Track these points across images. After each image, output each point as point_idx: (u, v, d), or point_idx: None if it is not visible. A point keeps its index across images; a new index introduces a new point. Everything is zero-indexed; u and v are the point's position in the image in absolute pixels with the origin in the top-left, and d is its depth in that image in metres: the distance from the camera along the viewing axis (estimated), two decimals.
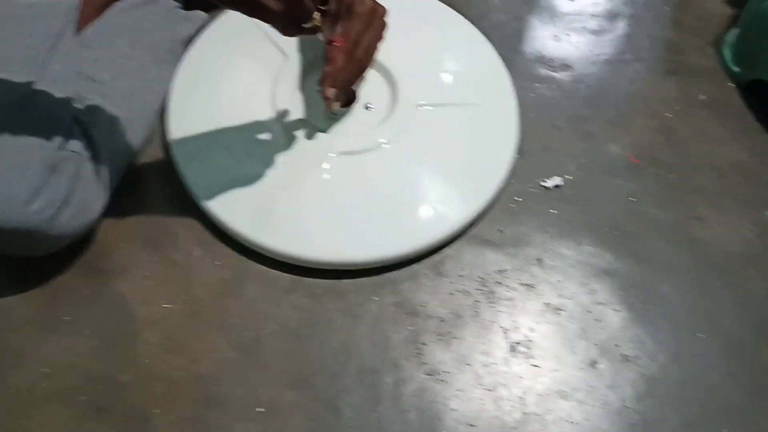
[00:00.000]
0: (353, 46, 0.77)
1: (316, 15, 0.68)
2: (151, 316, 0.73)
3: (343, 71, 0.78)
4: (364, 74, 0.81)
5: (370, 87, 0.87)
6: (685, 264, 0.81)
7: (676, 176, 0.88)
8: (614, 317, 0.77)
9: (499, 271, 0.79)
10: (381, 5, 0.80)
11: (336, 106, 0.79)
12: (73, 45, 0.77)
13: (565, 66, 0.98)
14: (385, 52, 0.83)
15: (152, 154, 0.84)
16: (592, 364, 0.73)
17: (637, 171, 0.89)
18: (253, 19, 0.66)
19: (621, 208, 0.85)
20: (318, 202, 0.79)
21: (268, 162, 0.81)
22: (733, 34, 0.99)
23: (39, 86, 0.71)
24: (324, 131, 0.84)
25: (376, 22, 0.79)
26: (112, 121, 0.77)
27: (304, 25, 0.67)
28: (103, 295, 0.74)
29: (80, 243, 0.76)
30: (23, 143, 0.68)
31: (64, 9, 0.76)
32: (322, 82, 0.78)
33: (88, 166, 0.73)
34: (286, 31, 0.68)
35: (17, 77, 0.70)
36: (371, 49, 0.80)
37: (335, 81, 0.77)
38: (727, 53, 0.98)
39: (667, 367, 0.73)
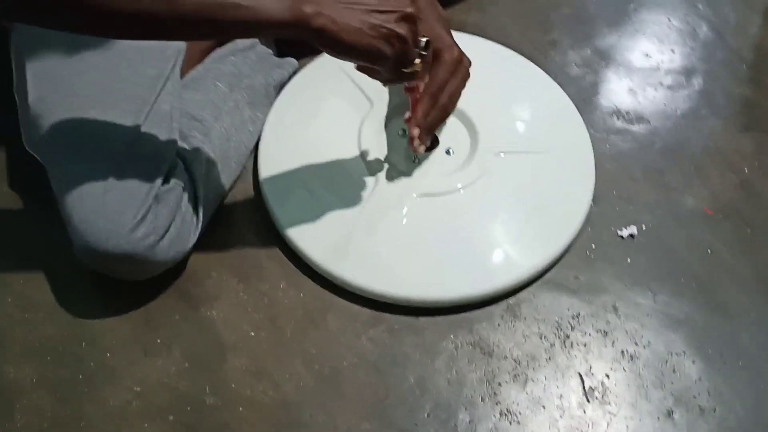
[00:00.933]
0: (439, 92, 0.82)
1: (417, 60, 0.72)
2: (237, 342, 0.77)
3: (429, 116, 0.82)
4: (446, 120, 0.85)
5: (452, 133, 0.90)
6: (764, 316, 0.81)
7: (756, 230, 0.88)
8: (691, 367, 0.77)
9: (575, 316, 0.80)
10: (466, 56, 0.85)
11: (422, 148, 0.83)
12: (178, 86, 0.83)
13: (640, 119, 1.00)
14: (467, 101, 0.87)
15: (243, 189, 0.89)
16: (669, 414, 0.73)
17: (713, 224, 0.89)
18: (344, 65, 0.71)
19: (697, 260, 0.86)
20: (398, 241, 0.82)
21: (352, 201, 0.84)
22: None
23: (148, 123, 0.77)
24: (405, 174, 0.87)
25: (460, 70, 0.83)
26: (210, 158, 0.82)
27: (405, 70, 0.71)
28: (193, 319, 0.78)
29: (174, 270, 0.80)
30: (133, 175, 0.73)
31: (172, 53, 0.83)
32: (408, 125, 0.82)
33: (188, 199, 0.78)
34: (390, 74, 0.72)
35: (130, 115, 0.76)
36: (455, 96, 0.83)
37: (421, 124, 0.81)
38: None
39: (745, 420, 0.73)
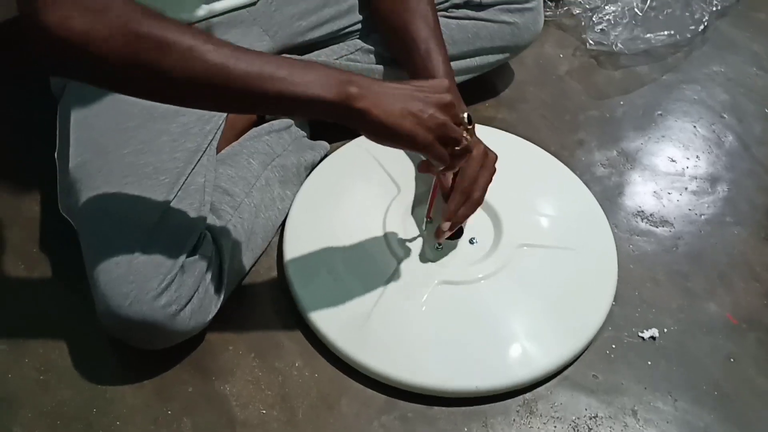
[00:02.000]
0: (470, 187, 0.83)
1: (466, 134, 0.73)
2: (248, 419, 0.76)
3: (461, 210, 0.84)
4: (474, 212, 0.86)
5: (476, 223, 0.91)
6: None
7: None
8: None
9: (593, 416, 0.79)
10: (492, 151, 0.87)
11: (444, 238, 0.84)
12: (213, 161, 0.86)
13: (665, 222, 1.00)
14: (493, 193, 0.88)
15: (267, 265, 0.90)
16: None
17: (737, 332, 0.88)
18: (374, 149, 0.72)
19: (720, 369, 0.84)
20: (416, 328, 0.82)
21: (373, 284, 0.85)
22: None
23: (181, 195, 0.79)
24: (429, 261, 0.88)
25: (488, 164, 0.85)
26: (238, 232, 0.84)
27: (456, 148, 0.71)
28: (206, 392, 0.78)
29: (192, 342, 0.80)
30: (161, 244, 0.75)
31: (211, 129, 0.86)
32: (442, 217, 0.84)
33: (212, 270, 0.79)
34: (441, 159, 0.71)
35: (164, 187, 0.78)
36: (484, 190, 0.85)
37: (452, 218, 0.83)
38: None
39: None
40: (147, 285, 0.72)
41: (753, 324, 0.89)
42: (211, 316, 0.79)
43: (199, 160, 0.82)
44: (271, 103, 0.66)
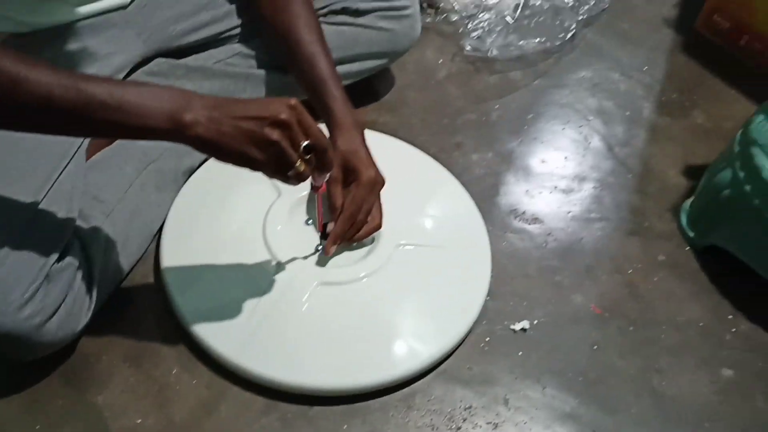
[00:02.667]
0: (356, 211, 0.86)
1: (300, 163, 0.71)
2: (122, 430, 0.74)
3: (346, 233, 0.87)
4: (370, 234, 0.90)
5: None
6: (644, 413, 0.84)
7: (638, 329, 0.93)
8: None
9: (467, 408, 0.82)
10: (382, 176, 0.89)
11: (332, 251, 0.87)
12: (83, 166, 0.84)
13: (536, 219, 1.05)
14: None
15: (144, 272, 0.88)
16: None
17: (600, 321, 0.94)
18: None
19: (584, 356, 0.90)
20: (296, 330, 0.83)
21: (253, 288, 0.85)
22: (689, 203, 1.08)
23: (47, 201, 0.76)
24: (310, 262, 0.89)
25: (376, 189, 0.88)
26: (110, 239, 0.82)
27: (288, 173, 0.71)
28: (78, 405, 0.76)
29: (63, 352, 0.78)
30: (25, 252, 0.72)
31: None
32: (327, 239, 0.87)
33: (81, 279, 0.77)
34: (273, 176, 0.72)
35: (29, 192, 0.75)
36: (367, 214, 0.89)
37: (338, 241, 0.87)
38: (684, 220, 1.07)
39: None
40: (9, 296, 0.69)
41: (615, 313, 0.95)
42: (81, 326, 0.77)
43: (66, 166, 0.80)
44: (106, 130, 0.67)
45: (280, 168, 0.70)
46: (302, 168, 0.70)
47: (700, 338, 0.94)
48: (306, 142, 0.70)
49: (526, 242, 1.02)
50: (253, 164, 0.69)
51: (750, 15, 1.34)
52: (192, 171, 0.97)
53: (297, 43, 0.93)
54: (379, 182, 0.89)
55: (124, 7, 0.95)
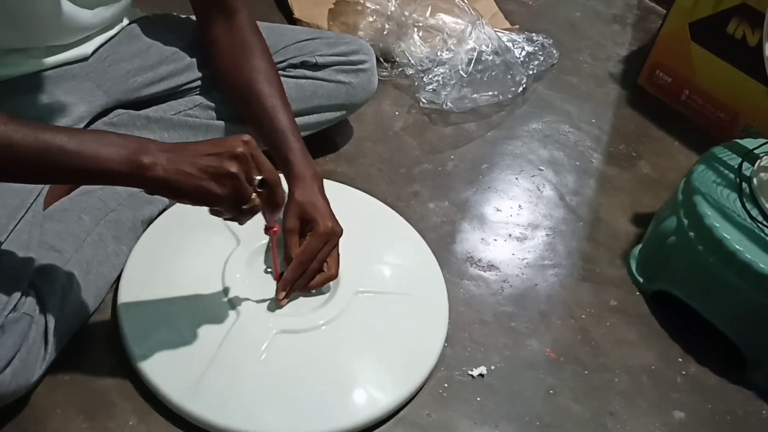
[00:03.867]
0: (308, 260, 0.88)
1: (254, 196, 0.74)
2: None
3: (297, 281, 0.88)
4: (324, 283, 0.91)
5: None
6: None
7: (591, 373, 0.96)
8: None
9: None
10: (339, 227, 0.90)
11: (285, 302, 0.88)
12: (40, 217, 0.83)
13: (491, 266, 1.08)
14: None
15: (100, 323, 0.87)
16: None
17: (556, 366, 0.96)
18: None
19: (541, 400, 0.91)
20: (254, 379, 0.83)
21: (211, 337, 0.85)
22: (637, 250, 1.12)
23: (2, 250, 0.76)
24: (269, 310, 0.89)
25: (332, 240, 0.90)
26: (66, 290, 0.81)
27: (243, 207, 0.73)
28: None
29: (14, 406, 0.76)
30: None
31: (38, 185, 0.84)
32: (277, 287, 0.88)
33: (36, 329, 0.76)
34: (231, 212, 0.74)
35: None
36: (323, 262, 0.90)
37: (287, 288, 0.88)
38: (634, 266, 1.11)
39: None
40: None
41: (569, 358, 0.97)
42: (35, 378, 0.76)
43: (23, 216, 0.79)
44: (66, 176, 0.69)
45: (236, 201, 0.72)
46: (256, 201, 0.73)
47: (651, 381, 0.96)
48: (260, 177, 0.73)
49: (482, 289, 1.04)
50: (211, 200, 0.71)
51: (689, 71, 1.41)
52: (150, 221, 0.97)
53: (257, 96, 0.95)
54: (336, 233, 0.90)
55: (85, 59, 0.96)
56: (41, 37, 0.90)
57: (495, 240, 1.13)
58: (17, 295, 0.74)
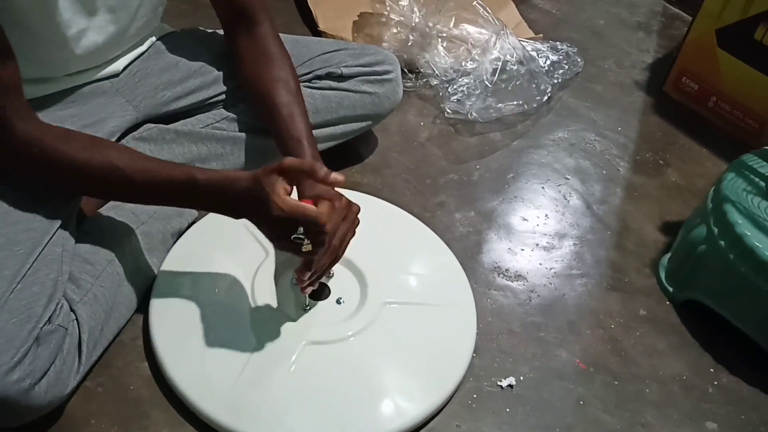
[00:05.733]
0: (330, 236, 0.85)
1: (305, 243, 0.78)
2: None
3: (319, 258, 0.85)
4: (335, 263, 0.89)
5: (343, 284, 0.94)
6: None
7: (622, 383, 0.95)
8: None
9: None
10: (355, 204, 0.90)
11: (309, 290, 0.87)
12: (74, 230, 0.85)
13: (519, 276, 1.07)
14: (358, 254, 0.92)
15: (132, 334, 0.88)
16: None
17: (585, 376, 0.95)
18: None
19: (571, 411, 0.90)
20: (285, 390, 0.83)
21: (241, 349, 0.86)
22: (666, 259, 1.11)
23: (37, 265, 0.77)
24: (297, 322, 0.90)
25: (350, 216, 0.88)
26: (99, 301, 0.83)
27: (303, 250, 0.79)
28: None
29: (49, 417, 0.77)
30: (14, 315, 0.72)
31: (71, 201, 0.85)
32: (298, 268, 0.86)
33: (70, 342, 0.77)
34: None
35: (19, 256, 0.76)
36: (345, 241, 0.88)
37: (311, 265, 0.84)
38: (663, 275, 1.09)
39: None
40: None
41: (599, 368, 0.96)
42: (69, 389, 0.77)
43: (57, 229, 0.81)
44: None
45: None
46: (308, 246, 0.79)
47: (683, 392, 0.95)
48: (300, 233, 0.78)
49: (509, 299, 1.04)
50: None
51: (716, 78, 1.40)
52: (180, 233, 0.98)
53: (275, 105, 0.96)
54: (353, 209, 0.87)
55: (115, 76, 0.97)
56: (63, 69, 0.91)
57: (522, 250, 1.12)
58: (52, 307, 0.76)
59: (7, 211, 0.79)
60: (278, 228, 0.78)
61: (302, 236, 0.77)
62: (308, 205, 0.78)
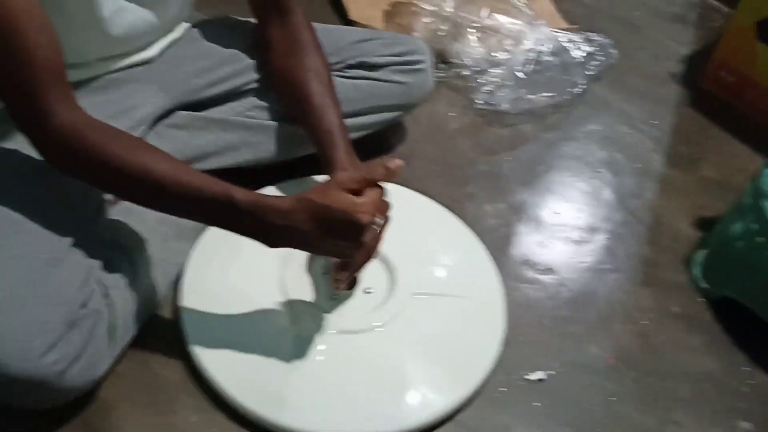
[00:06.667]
0: (375, 241, 0.85)
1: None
2: None
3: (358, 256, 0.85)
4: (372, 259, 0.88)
5: (371, 274, 0.94)
6: None
7: (653, 380, 0.93)
8: None
9: None
10: (386, 200, 0.89)
11: (343, 287, 0.86)
12: (108, 215, 0.85)
13: (549, 270, 1.06)
14: (388, 245, 0.91)
15: (163, 320, 0.89)
16: None
17: (616, 372, 0.94)
18: None
19: (601, 407, 0.89)
20: (313, 378, 0.83)
21: (270, 337, 0.86)
22: (701, 255, 1.09)
23: (72, 248, 0.78)
24: (326, 311, 0.90)
25: (385, 210, 0.87)
26: (132, 286, 0.83)
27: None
28: None
29: (82, 399, 0.78)
30: (48, 297, 0.73)
31: None
32: (336, 266, 0.86)
33: (103, 326, 0.78)
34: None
35: (54, 240, 0.77)
36: (378, 238, 0.87)
37: (348, 266, 0.85)
38: (697, 271, 1.07)
39: None
40: (33, 342, 0.70)
41: (630, 364, 0.95)
42: (102, 373, 0.78)
43: (92, 214, 0.82)
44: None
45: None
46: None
47: (716, 390, 0.94)
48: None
49: (539, 292, 1.03)
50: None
51: (755, 71, 1.37)
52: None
53: (307, 95, 0.96)
54: (385, 206, 0.85)
55: (149, 61, 0.98)
56: (96, 53, 0.91)
57: (552, 243, 1.11)
58: (86, 291, 0.76)
59: (44, 194, 0.80)
60: (331, 236, 0.77)
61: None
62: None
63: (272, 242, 0.78)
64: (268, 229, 0.77)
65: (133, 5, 0.89)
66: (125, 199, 0.85)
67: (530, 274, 1.05)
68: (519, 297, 1.01)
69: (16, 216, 0.77)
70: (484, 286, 0.99)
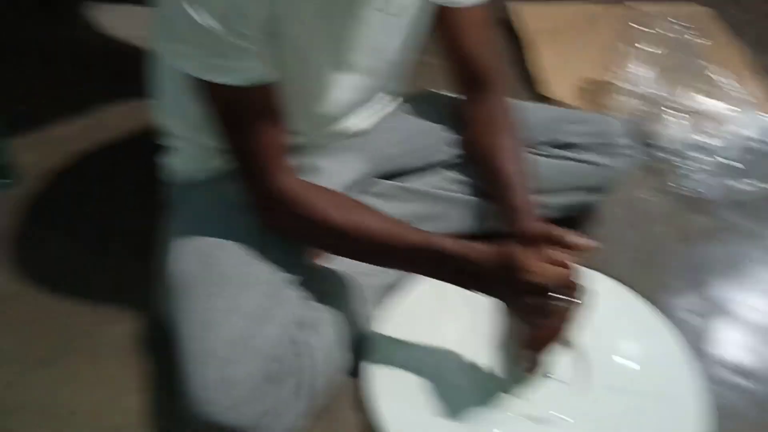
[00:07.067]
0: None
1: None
2: None
3: (541, 340, 0.83)
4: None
5: (561, 362, 0.90)
6: None
7: None
8: None
9: None
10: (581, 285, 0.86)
11: (528, 366, 0.84)
12: (302, 276, 0.89)
13: (752, 375, 0.96)
14: (580, 333, 0.88)
15: (352, 384, 0.91)
16: None
17: None
18: None
19: None
20: None
21: (453, 410, 0.85)
22: None
23: (274, 308, 0.82)
24: (509, 391, 0.87)
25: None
26: (322, 347, 0.85)
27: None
28: None
29: None
30: (255, 353, 0.77)
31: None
32: (522, 343, 0.84)
33: (294, 383, 0.80)
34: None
35: (259, 298, 0.81)
36: (565, 317, 0.84)
37: (532, 342, 0.83)
38: None
39: None
40: (234, 392, 0.74)
41: None
42: (292, 429, 0.80)
43: (294, 273, 0.86)
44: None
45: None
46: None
47: None
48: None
49: (743, 400, 0.93)
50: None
51: None
52: (391, 287, 0.99)
53: (496, 172, 0.96)
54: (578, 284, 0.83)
55: (362, 133, 1.02)
56: (311, 125, 0.95)
57: (761, 347, 1.01)
58: (282, 349, 0.80)
59: (254, 251, 0.85)
60: (530, 296, 0.77)
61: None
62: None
63: (476, 288, 0.82)
64: (471, 276, 0.80)
65: (352, 81, 0.92)
66: (336, 254, 0.91)
67: (731, 377, 0.96)
68: (718, 402, 0.92)
69: (232, 270, 0.82)
70: (680, 386, 0.92)
